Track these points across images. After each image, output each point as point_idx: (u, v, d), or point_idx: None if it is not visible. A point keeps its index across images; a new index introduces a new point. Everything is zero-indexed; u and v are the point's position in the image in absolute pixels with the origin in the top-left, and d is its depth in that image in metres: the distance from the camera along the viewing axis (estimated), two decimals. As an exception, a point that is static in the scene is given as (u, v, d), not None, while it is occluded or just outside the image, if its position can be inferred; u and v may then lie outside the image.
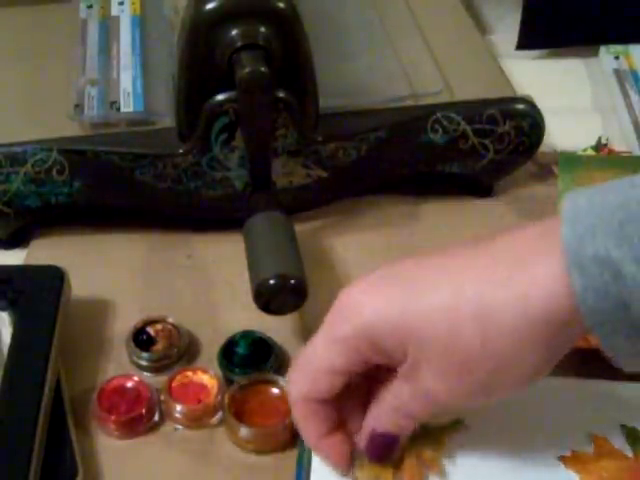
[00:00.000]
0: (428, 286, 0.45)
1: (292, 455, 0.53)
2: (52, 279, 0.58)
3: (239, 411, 0.54)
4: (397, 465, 0.50)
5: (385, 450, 0.49)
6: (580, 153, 0.72)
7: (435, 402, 0.46)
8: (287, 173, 0.66)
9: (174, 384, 0.56)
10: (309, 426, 0.49)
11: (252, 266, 0.58)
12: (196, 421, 0.55)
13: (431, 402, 0.47)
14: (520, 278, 0.43)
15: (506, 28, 0.88)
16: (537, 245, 0.43)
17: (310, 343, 0.48)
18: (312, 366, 0.48)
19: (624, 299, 0.40)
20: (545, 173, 0.72)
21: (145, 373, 0.58)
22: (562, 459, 0.51)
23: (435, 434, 0.51)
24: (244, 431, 0.53)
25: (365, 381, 0.50)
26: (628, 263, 0.40)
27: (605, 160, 0.70)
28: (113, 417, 0.54)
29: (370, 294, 0.46)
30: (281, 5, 0.60)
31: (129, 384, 0.56)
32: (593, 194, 0.42)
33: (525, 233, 0.45)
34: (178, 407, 0.55)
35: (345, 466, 0.50)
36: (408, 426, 0.49)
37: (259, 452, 0.53)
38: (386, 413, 0.48)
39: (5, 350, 0.55)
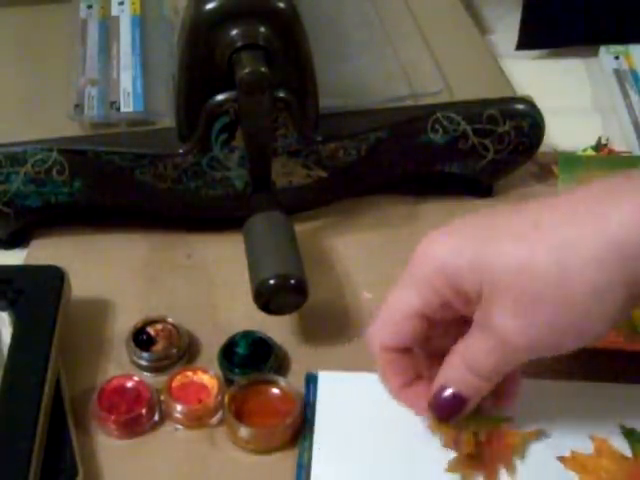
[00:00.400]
0: (502, 226, 0.46)
1: (292, 455, 0.53)
2: (52, 279, 0.58)
3: (239, 411, 0.54)
4: (456, 431, 0.50)
5: (450, 411, 0.49)
6: (580, 153, 0.72)
7: (511, 349, 0.46)
8: (287, 173, 0.66)
9: (174, 384, 0.56)
10: (389, 377, 0.50)
11: (252, 266, 0.58)
12: (196, 421, 0.55)
13: (506, 352, 0.46)
14: (602, 213, 0.43)
15: (506, 28, 0.88)
16: (613, 193, 0.44)
17: (389, 293, 0.49)
18: (392, 312, 0.48)
19: None
20: (545, 173, 0.72)
21: (145, 373, 0.57)
22: (562, 459, 0.51)
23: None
24: (244, 431, 0.53)
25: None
26: None
27: (605, 160, 0.70)
28: (113, 417, 0.54)
29: (446, 238, 0.47)
30: (281, 5, 0.60)
31: (129, 384, 0.56)
32: None
33: (592, 188, 0.45)
34: (178, 407, 0.55)
35: (426, 414, 0.50)
36: (478, 388, 0.48)
37: (259, 452, 0.53)
38: (458, 370, 0.48)
39: (5, 350, 0.55)
